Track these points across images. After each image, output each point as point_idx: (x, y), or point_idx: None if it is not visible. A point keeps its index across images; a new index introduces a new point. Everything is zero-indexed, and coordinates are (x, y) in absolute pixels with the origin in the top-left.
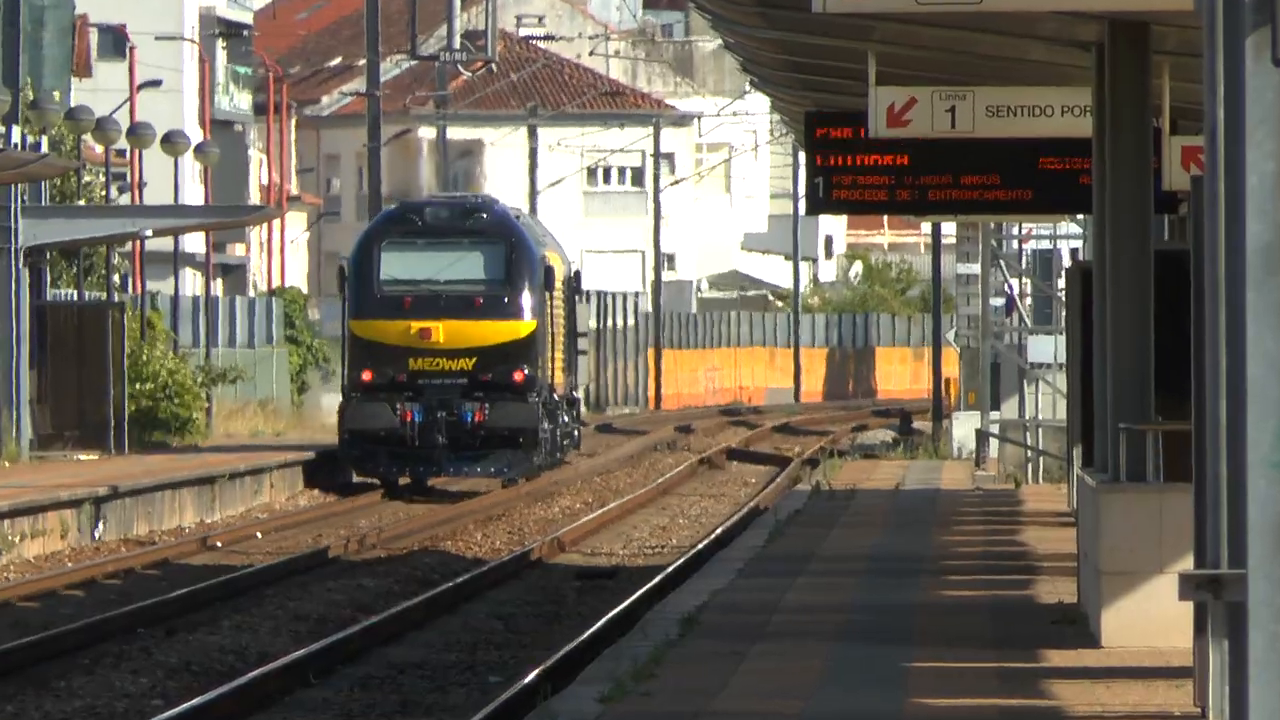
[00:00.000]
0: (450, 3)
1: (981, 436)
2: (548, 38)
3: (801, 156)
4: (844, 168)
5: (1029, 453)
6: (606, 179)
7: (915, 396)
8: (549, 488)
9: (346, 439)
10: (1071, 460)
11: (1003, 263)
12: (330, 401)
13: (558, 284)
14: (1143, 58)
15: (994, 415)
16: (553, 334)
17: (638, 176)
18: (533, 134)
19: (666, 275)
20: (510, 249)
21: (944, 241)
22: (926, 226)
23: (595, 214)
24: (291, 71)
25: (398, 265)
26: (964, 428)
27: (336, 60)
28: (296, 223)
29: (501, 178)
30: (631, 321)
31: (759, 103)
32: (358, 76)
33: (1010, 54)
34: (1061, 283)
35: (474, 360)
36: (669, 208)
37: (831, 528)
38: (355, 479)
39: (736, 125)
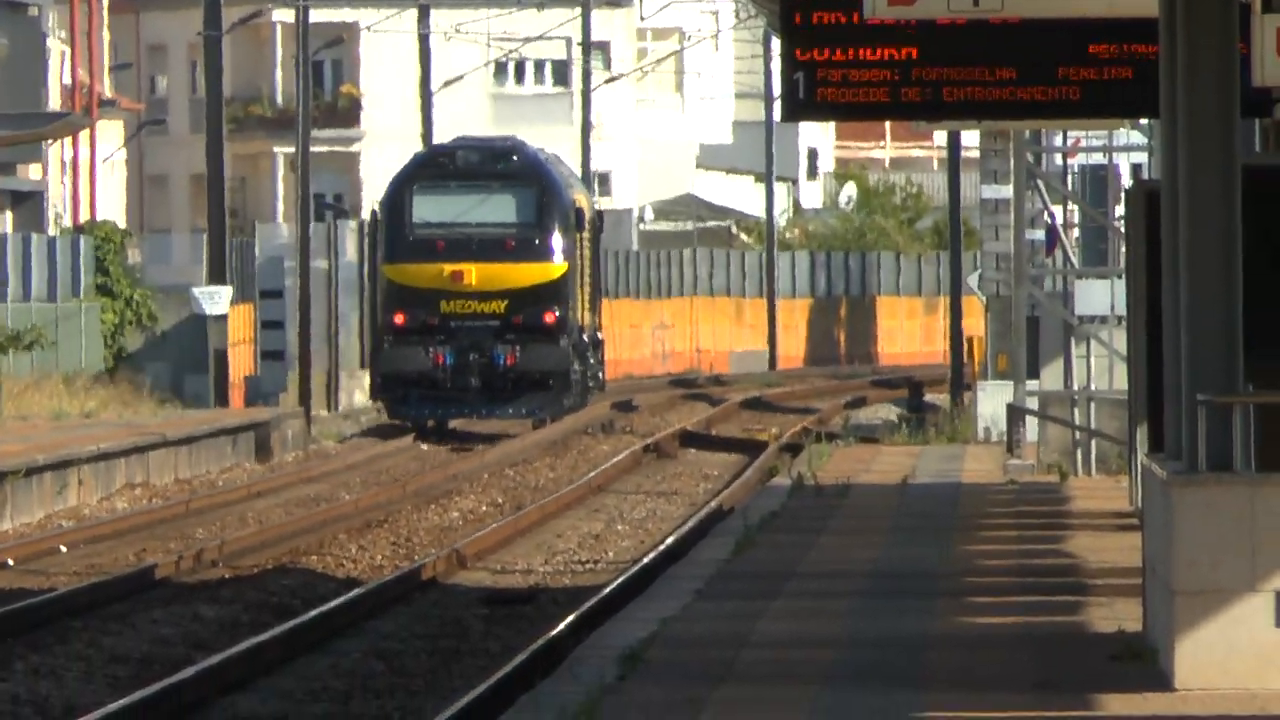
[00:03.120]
0: None
1: (1015, 414)
2: None
3: (776, 45)
4: (832, 60)
5: (1078, 435)
6: (520, 77)
7: (927, 361)
8: (445, 484)
9: (379, 383)
10: (1134, 445)
11: (1042, 184)
12: (159, 371)
13: (587, 227)
14: None
15: (1031, 385)
16: (581, 276)
17: (561, 73)
18: (424, 16)
19: (599, 201)
20: (541, 192)
21: (964, 156)
22: (940, 136)
23: (506, 122)
24: None
25: (430, 208)
26: (992, 402)
27: None
28: (111, 136)
29: (382, 74)
30: None
31: None
32: None
33: None
34: (1120, 210)
35: (506, 302)
36: (602, 113)
37: (818, 535)
38: (181, 476)
39: (691, 4)
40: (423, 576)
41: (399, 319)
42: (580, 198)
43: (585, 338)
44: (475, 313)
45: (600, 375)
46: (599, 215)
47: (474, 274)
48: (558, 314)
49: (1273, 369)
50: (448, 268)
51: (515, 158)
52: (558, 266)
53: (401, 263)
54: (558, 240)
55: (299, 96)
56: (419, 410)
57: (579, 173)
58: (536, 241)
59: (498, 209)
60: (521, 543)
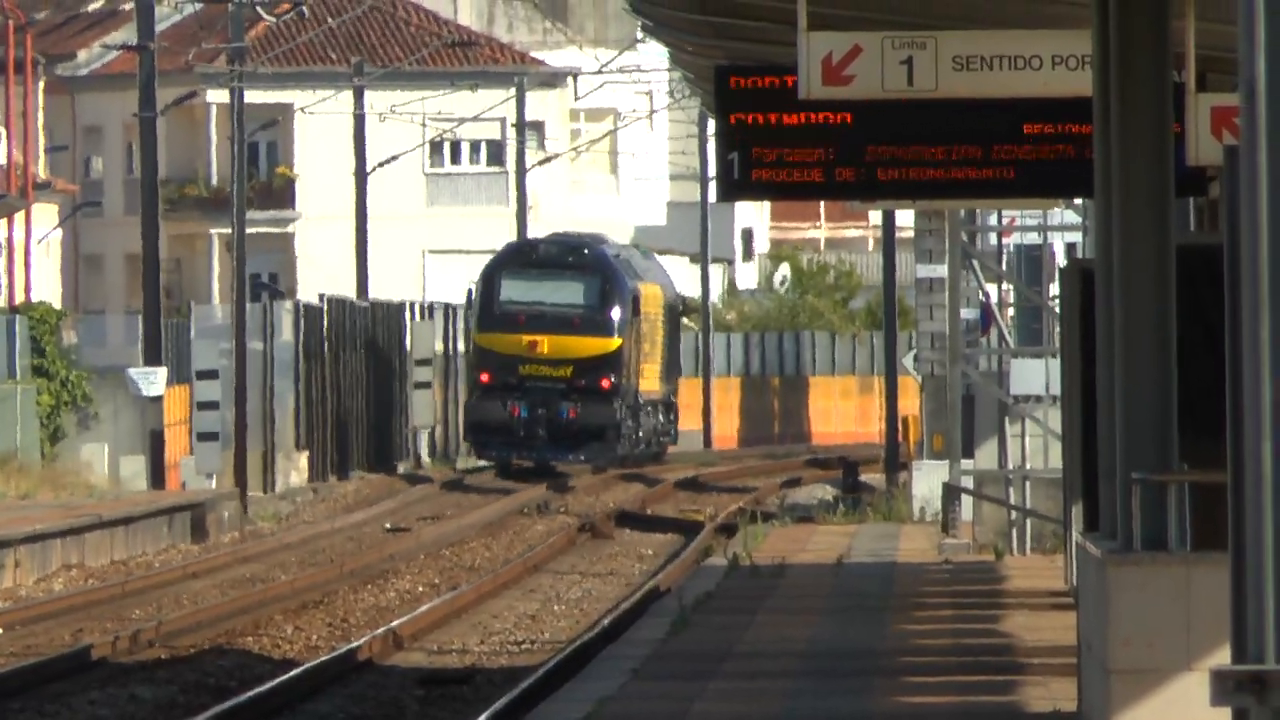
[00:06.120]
0: None
1: (951, 493)
2: None
3: (711, 125)
4: (767, 139)
5: (1013, 514)
6: (455, 156)
7: (862, 441)
8: (381, 564)
9: (469, 427)
10: (1069, 523)
11: (977, 263)
12: (94, 453)
13: (655, 310)
14: None
15: (966, 465)
16: (639, 349)
17: (496, 153)
18: (358, 98)
19: None
20: (604, 280)
21: (899, 236)
22: (875, 216)
23: (441, 202)
24: (38, 18)
25: (514, 290)
26: (927, 481)
27: (97, 3)
28: (46, 217)
29: (317, 155)
30: None
31: (654, 55)
32: (125, 24)
33: None
34: (1055, 289)
35: (571, 368)
36: (538, 194)
37: (755, 615)
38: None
39: (625, 85)
40: (359, 657)
41: (484, 378)
42: (647, 287)
43: (643, 400)
44: (546, 375)
45: (672, 431)
46: (680, 298)
47: (546, 344)
48: (613, 379)
49: (1207, 448)
50: (526, 338)
51: (586, 251)
52: (614, 341)
53: (489, 332)
54: (615, 320)
55: (234, 178)
56: (498, 452)
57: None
58: (598, 320)
59: (568, 292)
60: (458, 623)
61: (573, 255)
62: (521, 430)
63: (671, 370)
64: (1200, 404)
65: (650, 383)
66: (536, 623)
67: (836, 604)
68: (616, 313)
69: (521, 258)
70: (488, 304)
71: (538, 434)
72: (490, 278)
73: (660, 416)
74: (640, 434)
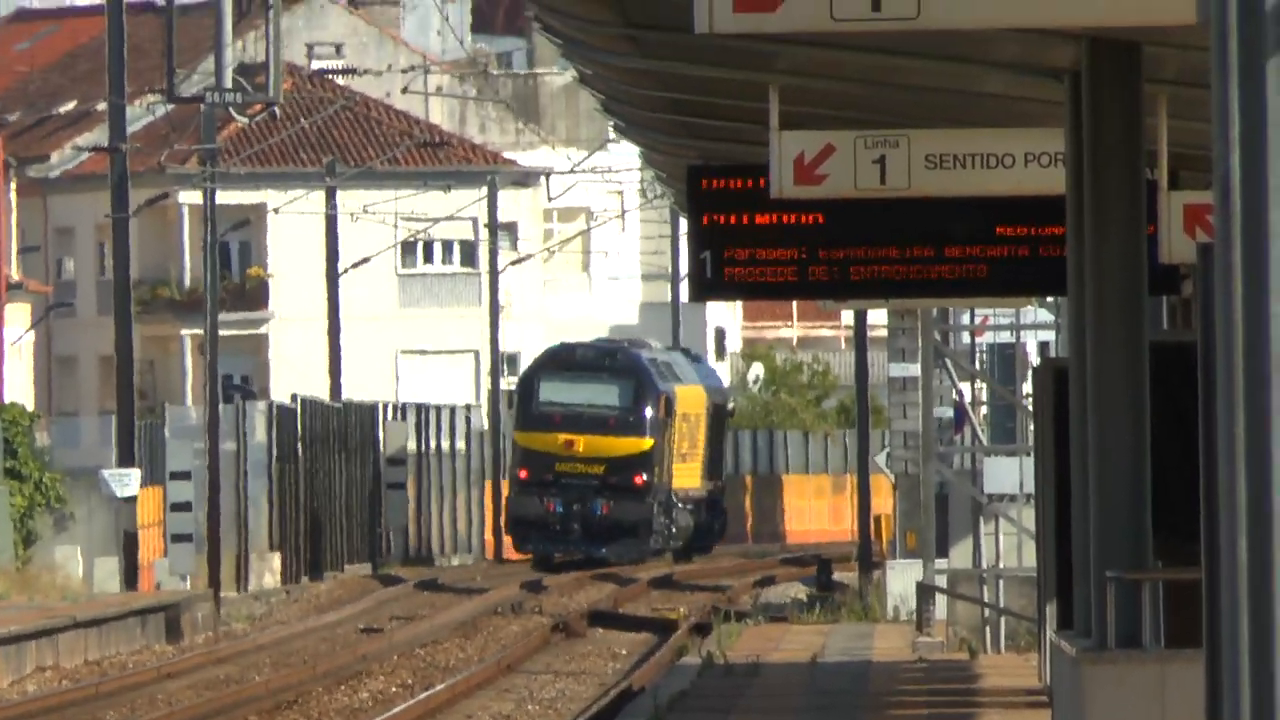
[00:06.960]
0: (219, 28)
1: (925, 591)
2: (348, 72)
3: (683, 225)
4: (740, 239)
5: (987, 612)
6: (428, 257)
7: (836, 539)
8: (355, 665)
9: (508, 521)
10: (1044, 621)
11: (950, 362)
12: (67, 555)
13: (695, 411)
14: (1132, 89)
15: (940, 563)
16: (673, 449)
17: (469, 253)
18: (330, 197)
19: (508, 382)
20: (637, 384)
21: (871, 335)
22: (848, 315)
23: (414, 303)
24: (10, 119)
25: (552, 391)
26: (902, 580)
27: (69, 105)
28: (18, 318)
29: (290, 255)
30: (462, 444)
31: (626, 155)
32: (98, 125)
33: (957, 86)
34: (1028, 387)
35: (605, 466)
36: (511, 293)
37: (728, 714)
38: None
39: (597, 185)
40: None
41: (523, 474)
42: (684, 390)
43: (678, 498)
44: (581, 473)
45: (717, 526)
46: (725, 400)
47: (581, 443)
48: (645, 477)
49: (1181, 545)
50: (562, 436)
51: (620, 356)
52: (646, 441)
53: (528, 431)
54: (648, 421)
55: (207, 279)
56: (535, 545)
57: (487, 355)
58: (630, 420)
59: (603, 394)
60: None
61: (608, 359)
62: (557, 525)
63: (715, 468)
64: (1174, 501)
65: (687, 480)
66: None
67: (810, 703)
68: (649, 413)
69: (560, 361)
70: (527, 404)
71: (573, 529)
72: (530, 380)
73: (704, 513)
74: (675, 530)
